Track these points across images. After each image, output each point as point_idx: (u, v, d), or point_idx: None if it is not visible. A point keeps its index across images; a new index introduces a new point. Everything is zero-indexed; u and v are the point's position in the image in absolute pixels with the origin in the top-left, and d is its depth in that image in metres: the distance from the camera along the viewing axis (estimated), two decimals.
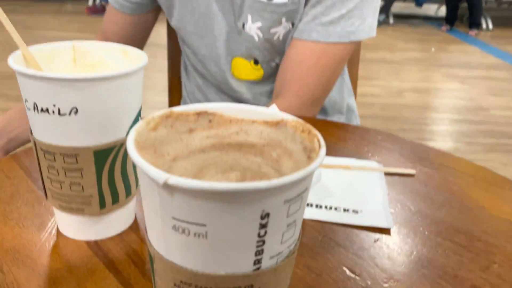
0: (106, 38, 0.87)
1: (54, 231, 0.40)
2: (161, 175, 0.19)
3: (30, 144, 0.40)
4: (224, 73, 0.81)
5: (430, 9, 6.22)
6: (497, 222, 0.46)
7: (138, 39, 0.88)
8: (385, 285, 0.36)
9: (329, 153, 0.58)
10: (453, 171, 0.56)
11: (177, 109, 0.27)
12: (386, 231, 0.44)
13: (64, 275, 0.35)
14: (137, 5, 0.83)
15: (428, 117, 2.92)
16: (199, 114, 0.28)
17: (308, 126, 0.26)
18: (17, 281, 0.34)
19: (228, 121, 0.29)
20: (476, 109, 3.05)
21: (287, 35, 0.75)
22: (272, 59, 0.79)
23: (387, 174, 0.54)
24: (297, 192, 0.21)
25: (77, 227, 0.39)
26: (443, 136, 2.63)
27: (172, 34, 1.00)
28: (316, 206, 0.47)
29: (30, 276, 0.35)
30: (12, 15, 3.89)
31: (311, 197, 0.48)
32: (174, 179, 0.19)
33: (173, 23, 0.82)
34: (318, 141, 0.24)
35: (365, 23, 0.72)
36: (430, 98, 3.31)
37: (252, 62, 0.81)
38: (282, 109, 0.66)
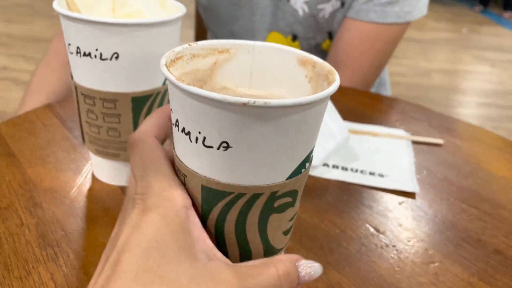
0: None
1: (89, 176, 0.42)
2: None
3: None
4: None
5: None
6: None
7: None
8: (409, 243, 0.37)
9: (358, 120, 0.58)
10: (481, 143, 0.56)
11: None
12: (411, 195, 0.44)
13: (99, 215, 0.37)
14: None
15: (455, 99, 2.87)
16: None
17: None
18: (56, 217, 0.36)
19: None
20: (505, 93, 2.98)
21: (334, 14, 0.72)
22: (313, 37, 0.77)
23: (414, 142, 0.54)
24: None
25: (112, 173, 0.41)
26: (468, 119, 2.59)
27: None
28: (343, 168, 0.47)
29: (68, 213, 0.37)
30: None
31: (338, 160, 0.49)
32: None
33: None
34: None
35: (420, 1, 0.70)
36: (458, 80, 3.24)
37: (289, 38, 0.78)
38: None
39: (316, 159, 0.46)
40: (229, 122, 0.22)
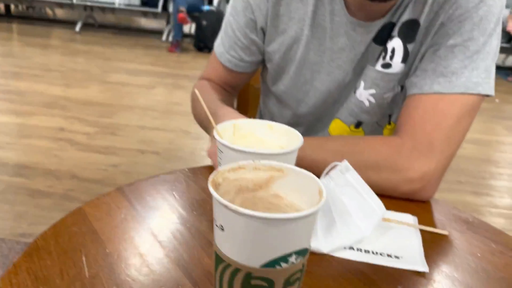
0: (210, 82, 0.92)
1: (154, 251, 0.54)
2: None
3: (133, 177, 0.55)
4: (318, 133, 0.88)
5: None
6: (503, 282, 0.54)
7: (237, 88, 0.97)
8: None
9: None
10: (480, 237, 0.64)
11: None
12: (421, 273, 0.54)
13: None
14: (250, 64, 0.88)
15: (486, 170, 2.89)
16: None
17: None
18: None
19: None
20: None
21: (395, 97, 0.80)
22: (376, 122, 0.83)
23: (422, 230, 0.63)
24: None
25: None
26: (500, 192, 2.60)
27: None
28: (365, 251, 0.58)
29: (144, 284, 0.49)
30: (96, 46, 4.33)
31: (359, 244, 0.59)
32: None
33: (279, 87, 0.88)
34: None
35: (490, 77, 0.70)
36: (490, 151, 3.26)
37: (352, 126, 0.85)
38: (395, 146, 0.71)
39: (366, 231, 0.58)
40: (222, 213, 0.37)
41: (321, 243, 0.57)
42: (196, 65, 5.09)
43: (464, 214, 0.70)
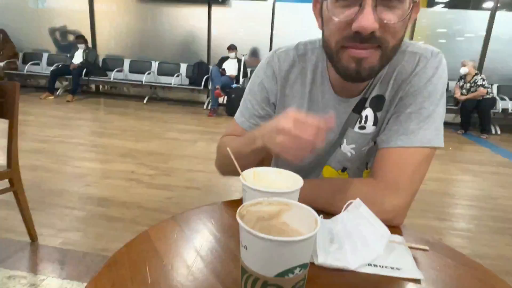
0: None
1: (195, 256, 0.55)
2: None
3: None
4: (314, 176, 0.88)
5: (448, 117, 6.04)
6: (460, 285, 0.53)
7: None
8: None
9: None
10: (439, 254, 0.63)
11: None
12: (417, 280, 0.53)
13: None
14: None
15: (445, 202, 2.79)
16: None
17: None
18: None
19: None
20: (486, 197, 2.86)
21: (370, 149, 0.81)
22: (357, 168, 0.84)
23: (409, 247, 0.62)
24: None
25: None
26: (457, 218, 2.49)
27: None
28: (374, 265, 0.56)
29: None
30: (157, 113, 4.46)
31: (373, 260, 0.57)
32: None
33: None
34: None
35: (439, 134, 0.71)
36: (448, 186, 3.16)
37: (339, 171, 0.85)
38: (372, 186, 0.71)
39: (380, 250, 0.56)
40: (246, 236, 0.38)
41: (350, 263, 0.55)
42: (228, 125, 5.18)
43: (426, 236, 0.69)
